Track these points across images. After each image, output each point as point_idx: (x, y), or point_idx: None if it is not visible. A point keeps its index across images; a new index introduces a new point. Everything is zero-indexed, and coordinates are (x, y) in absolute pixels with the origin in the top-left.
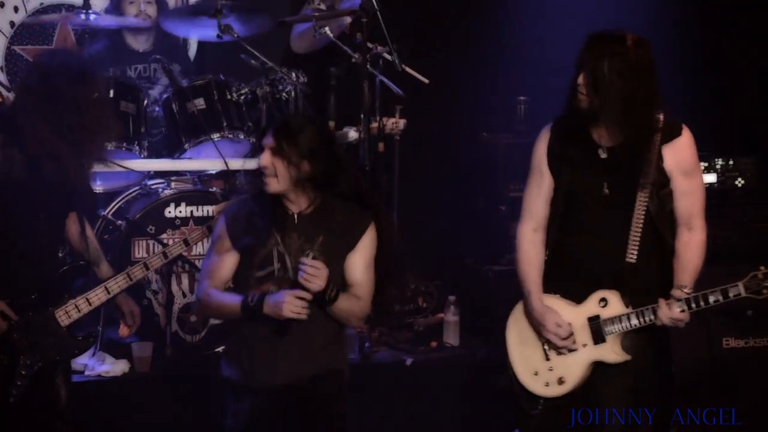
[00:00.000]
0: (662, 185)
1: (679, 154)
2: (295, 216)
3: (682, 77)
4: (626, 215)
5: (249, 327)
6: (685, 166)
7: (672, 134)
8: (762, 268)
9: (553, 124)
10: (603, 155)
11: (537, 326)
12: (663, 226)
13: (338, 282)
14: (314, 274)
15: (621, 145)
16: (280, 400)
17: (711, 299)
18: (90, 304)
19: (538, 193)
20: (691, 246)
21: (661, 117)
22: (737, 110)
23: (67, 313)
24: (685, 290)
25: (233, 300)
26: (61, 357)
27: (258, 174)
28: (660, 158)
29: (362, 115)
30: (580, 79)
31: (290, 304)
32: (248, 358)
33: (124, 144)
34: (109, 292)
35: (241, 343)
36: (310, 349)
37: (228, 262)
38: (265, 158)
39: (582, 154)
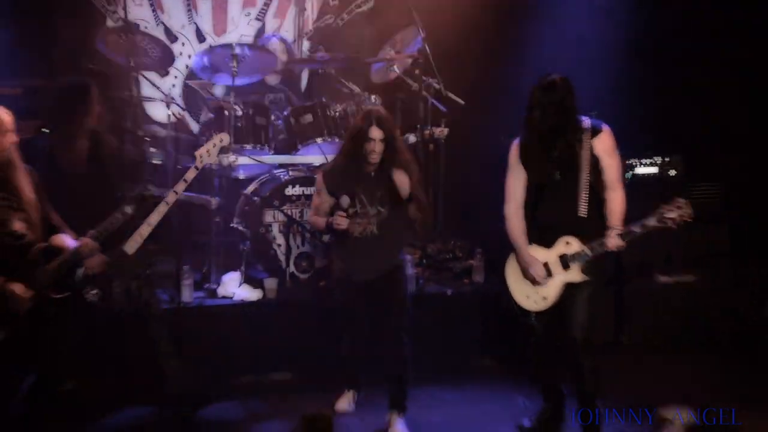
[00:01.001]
0: (595, 164)
1: (603, 143)
2: (372, 173)
3: (636, 99)
4: (574, 188)
5: (344, 241)
6: (608, 150)
7: (597, 131)
8: (664, 205)
9: (519, 138)
10: (555, 153)
11: (525, 269)
12: (599, 191)
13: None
14: (340, 222)
15: (564, 146)
16: (366, 283)
17: (637, 230)
18: (150, 225)
19: (517, 183)
20: (616, 201)
21: (587, 120)
22: (671, 124)
23: (130, 246)
24: (617, 228)
25: (322, 222)
26: (135, 275)
27: (361, 147)
28: (591, 147)
29: (418, 126)
30: (536, 113)
31: (337, 223)
32: (345, 258)
33: (258, 145)
34: (161, 211)
35: (342, 251)
36: (382, 254)
37: (326, 204)
38: (377, 145)
39: (541, 155)
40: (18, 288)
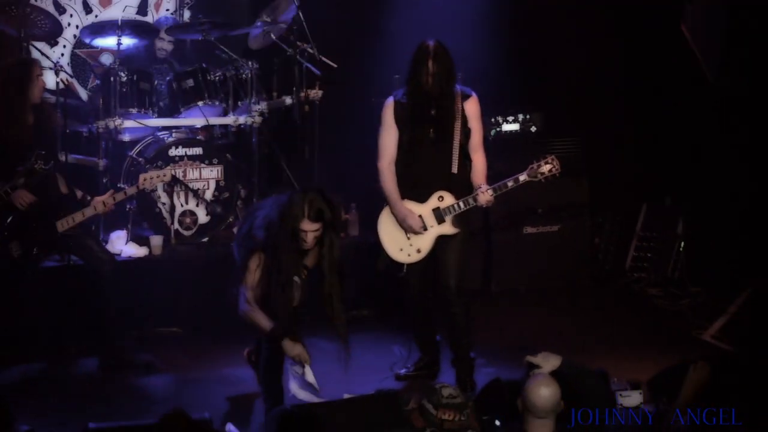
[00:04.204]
0: (465, 124)
1: (471, 107)
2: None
3: (503, 63)
4: (447, 146)
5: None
6: (475, 113)
7: (466, 96)
8: (534, 161)
9: (394, 97)
10: (432, 112)
11: (401, 221)
12: (468, 150)
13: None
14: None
15: (441, 106)
16: None
17: (509, 184)
18: (83, 216)
19: (389, 140)
20: (479, 162)
21: (458, 87)
22: (532, 83)
23: (61, 224)
24: (483, 186)
25: (264, 323)
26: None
27: (296, 237)
28: (463, 110)
29: (294, 88)
30: (431, 70)
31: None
32: None
33: (143, 109)
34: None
35: None
36: None
37: (260, 288)
38: (310, 239)
39: (418, 112)
40: None
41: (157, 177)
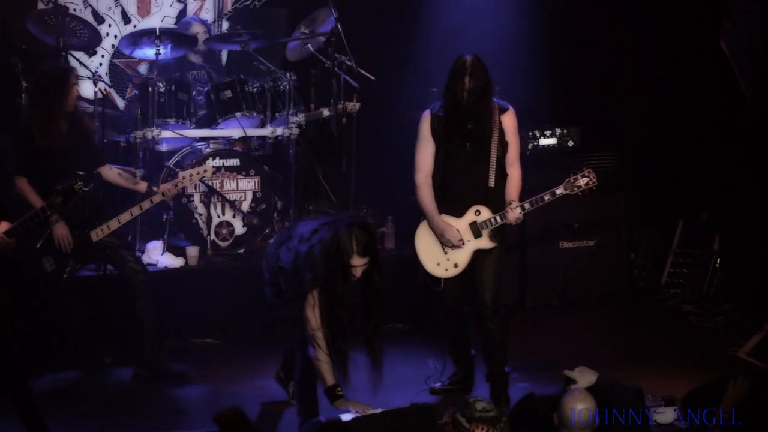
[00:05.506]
0: (502, 138)
1: (508, 121)
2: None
3: (541, 77)
4: (484, 160)
5: None
6: (512, 127)
7: (503, 110)
8: (571, 174)
9: (431, 111)
10: (470, 126)
11: (439, 235)
12: (504, 164)
13: None
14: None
15: (477, 120)
16: None
17: (546, 198)
18: (119, 222)
19: (427, 154)
20: (514, 177)
21: (495, 101)
22: (570, 97)
23: (96, 233)
24: (514, 203)
25: (327, 379)
26: (90, 258)
27: (346, 273)
28: (500, 123)
29: (332, 100)
30: (467, 85)
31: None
32: None
33: (180, 119)
34: (132, 214)
35: None
36: None
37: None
38: (359, 273)
39: (454, 127)
40: None
41: (197, 174)
